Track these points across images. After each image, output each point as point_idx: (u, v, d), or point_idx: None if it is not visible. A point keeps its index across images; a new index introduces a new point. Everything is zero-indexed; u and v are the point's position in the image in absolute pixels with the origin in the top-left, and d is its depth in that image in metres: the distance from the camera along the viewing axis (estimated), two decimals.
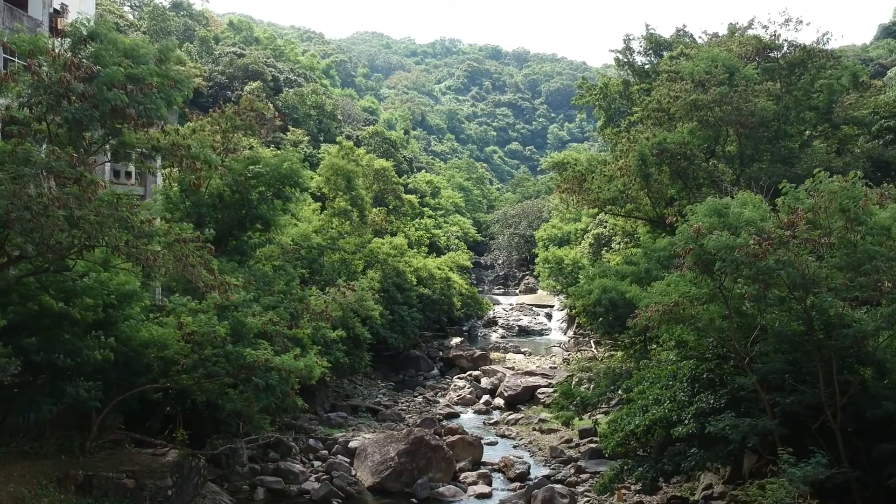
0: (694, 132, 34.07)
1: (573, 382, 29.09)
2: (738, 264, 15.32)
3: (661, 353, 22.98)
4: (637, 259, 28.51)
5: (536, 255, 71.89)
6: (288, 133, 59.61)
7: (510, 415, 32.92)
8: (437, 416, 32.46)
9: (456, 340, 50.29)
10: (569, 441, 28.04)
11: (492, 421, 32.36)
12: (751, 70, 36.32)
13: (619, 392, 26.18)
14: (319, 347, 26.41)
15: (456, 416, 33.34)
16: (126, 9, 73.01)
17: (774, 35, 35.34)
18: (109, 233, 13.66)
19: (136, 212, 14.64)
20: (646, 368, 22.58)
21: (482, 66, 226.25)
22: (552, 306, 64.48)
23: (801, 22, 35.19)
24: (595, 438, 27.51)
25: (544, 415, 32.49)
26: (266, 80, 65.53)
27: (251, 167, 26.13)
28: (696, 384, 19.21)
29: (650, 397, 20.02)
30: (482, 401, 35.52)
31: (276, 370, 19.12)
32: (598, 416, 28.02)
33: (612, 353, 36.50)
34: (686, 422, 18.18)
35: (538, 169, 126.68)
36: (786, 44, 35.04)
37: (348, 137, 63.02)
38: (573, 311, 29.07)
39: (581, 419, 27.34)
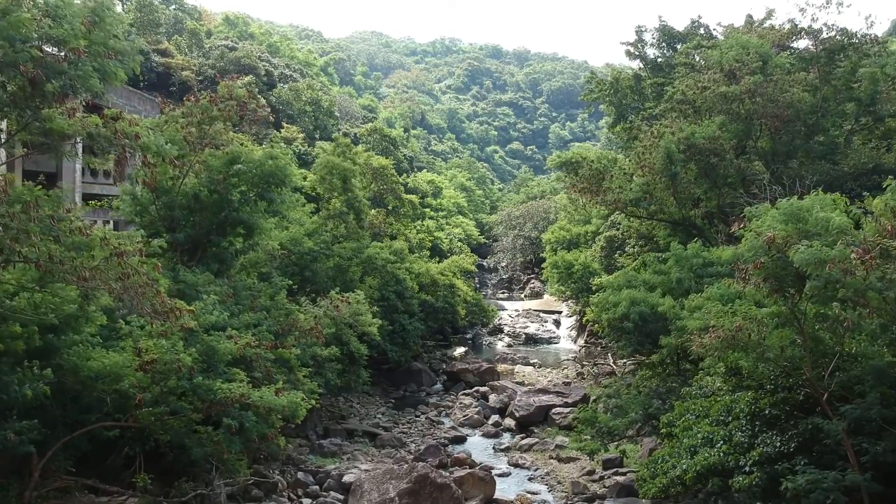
0: (725, 126, 30.95)
1: (596, 407, 25.90)
2: (832, 283, 12.14)
3: (703, 378, 19.77)
4: (668, 268, 25.34)
5: (543, 258, 68.69)
6: (282, 130, 56.45)
7: (523, 438, 29.72)
8: (442, 441, 29.28)
9: (460, 350, 47.13)
10: (591, 473, 24.85)
11: (502, 446, 29.16)
12: (783, 59, 33.27)
13: (653, 420, 23.06)
14: (309, 369, 23.33)
15: (462, 439, 30.14)
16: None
17: (812, 18, 32.21)
18: (27, 242, 10.46)
19: (68, 216, 11.45)
20: (688, 397, 19.43)
21: (482, 66, 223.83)
22: (560, 312, 61.31)
23: (841, 3, 31.94)
24: (621, 470, 24.40)
25: (560, 438, 29.31)
26: (259, 74, 62.32)
27: (235, 165, 22.96)
28: (756, 422, 16.02)
29: (699, 436, 16.86)
30: (491, 421, 32.30)
31: (252, 408, 15.99)
32: (624, 444, 24.83)
33: (634, 368, 33.27)
34: (748, 470, 15.04)
35: (544, 168, 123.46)
36: (825, 28, 31.89)
37: (346, 135, 59.85)
38: (595, 325, 25.93)
39: (606, 449, 24.17)
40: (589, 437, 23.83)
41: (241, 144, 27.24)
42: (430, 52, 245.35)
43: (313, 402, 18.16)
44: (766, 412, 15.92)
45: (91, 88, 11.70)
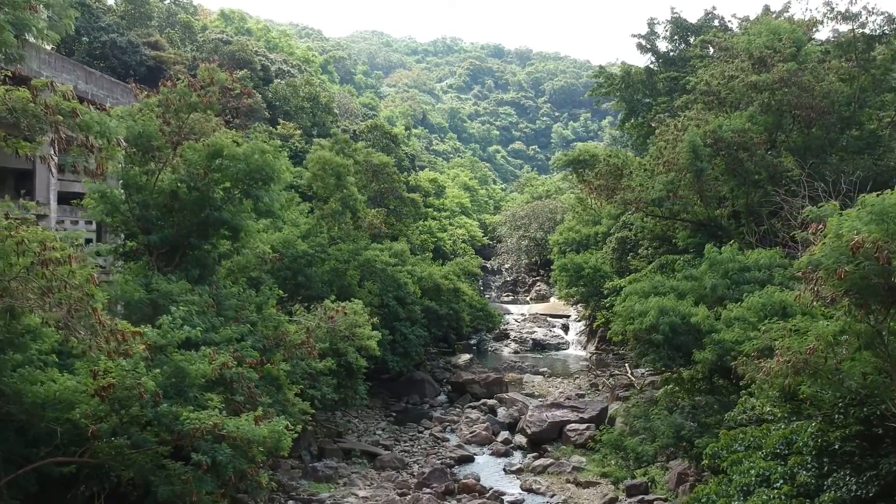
0: (754, 118, 28.50)
1: (622, 429, 23.35)
2: None
3: (747, 401, 17.32)
4: (700, 273, 22.88)
5: (549, 260, 65.97)
6: (278, 126, 53.99)
7: (536, 458, 27.23)
8: (448, 461, 26.85)
9: (464, 357, 44.66)
10: (614, 500, 22.29)
11: (514, 467, 26.67)
12: (813, 47, 30.86)
13: (685, 443, 20.64)
14: (300, 386, 20.94)
15: (470, 459, 27.68)
16: None
17: (850, 1, 29.71)
18: None
19: None
20: (733, 422, 16.98)
21: (484, 65, 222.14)
22: (568, 317, 58.81)
23: None
24: (647, 498, 21.90)
25: (577, 458, 26.86)
26: (255, 69, 59.85)
27: (218, 159, 20.47)
28: (824, 458, 13.57)
29: (752, 472, 14.39)
30: (500, 438, 29.83)
31: (228, 439, 13.55)
32: (652, 469, 22.35)
33: (655, 380, 30.81)
34: None
35: (548, 168, 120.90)
36: (864, 12, 29.37)
37: (345, 131, 57.40)
38: (619, 335, 23.56)
39: (633, 476, 21.68)
40: (614, 463, 21.39)
41: (235, 142, 24.77)
42: (432, 51, 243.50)
43: (300, 428, 15.66)
44: (837, 447, 13.46)
45: (6, 44, 9.16)
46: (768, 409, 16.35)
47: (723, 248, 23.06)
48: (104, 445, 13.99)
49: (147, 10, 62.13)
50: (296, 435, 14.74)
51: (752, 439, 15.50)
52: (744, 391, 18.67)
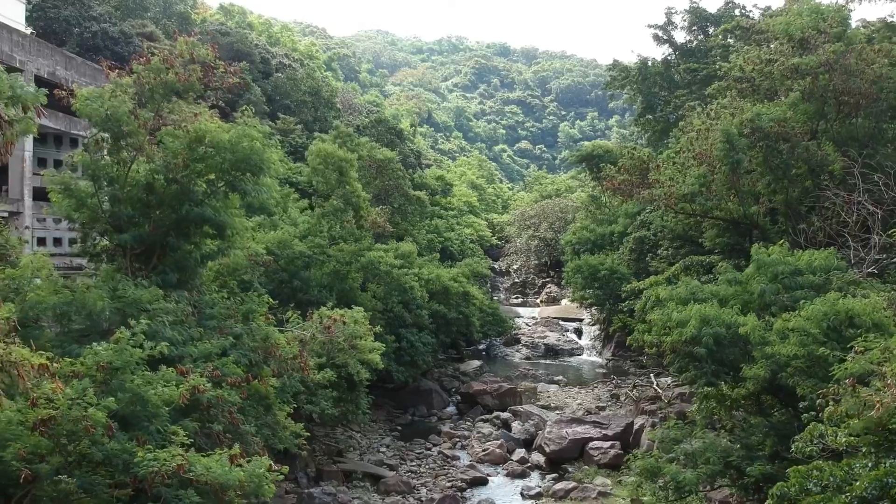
0: (796, 106, 25.91)
1: (659, 455, 20.67)
2: None
3: (815, 428, 14.69)
4: (746, 276, 20.28)
5: (559, 261, 63.34)
6: (277, 121, 51.58)
7: (556, 481, 24.70)
8: (459, 484, 24.34)
9: (474, 364, 42.16)
10: None
11: (532, 491, 24.11)
12: (858, 30, 28.26)
13: (732, 471, 18.05)
14: (293, 405, 18.48)
15: (483, 481, 25.13)
16: None
17: None
18: None
19: None
20: (800, 453, 14.37)
21: (490, 64, 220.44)
22: (581, 320, 56.24)
23: None
24: None
25: (601, 480, 24.36)
26: (255, 61, 57.48)
27: (200, 147, 17.97)
28: None
29: None
30: (516, 457, 27.26)
31: (197, 484, 11.04)
32: (692, 499, 19.75)
33: (684, 392, 28.20)
34: None
35: (556, 166, 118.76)
36: None
37: (347, 126, 54.92)
38: (651, 348, 21.00)
39: None
40: (650, 493, 18.81)
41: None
42: (437, 50, 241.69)
43: (286, 470, 13.06)
44: None
45: None
46: (844, 439, 13.73)
47: (770, 248, 20.45)
48: (48, 488, 11.52)
49: (143, 1, 59.78)
50: (281, 477, 12.20)
51: (830, 479, 12.86)
52: (805, 414, 16.14)
